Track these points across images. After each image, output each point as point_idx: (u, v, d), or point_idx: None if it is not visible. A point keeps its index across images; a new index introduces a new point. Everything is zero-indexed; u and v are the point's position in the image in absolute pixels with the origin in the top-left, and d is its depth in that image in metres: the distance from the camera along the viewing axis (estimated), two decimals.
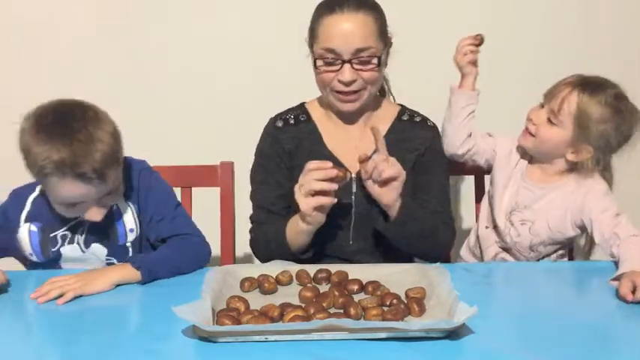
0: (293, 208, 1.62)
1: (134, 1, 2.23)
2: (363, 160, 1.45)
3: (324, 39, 1.50)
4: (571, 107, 1.55)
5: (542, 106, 1.63)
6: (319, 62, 1.52)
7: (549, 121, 1.59)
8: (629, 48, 2.35)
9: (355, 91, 1.53)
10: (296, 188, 1.45)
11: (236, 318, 1.15)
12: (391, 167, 1.43)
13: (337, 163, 1.58)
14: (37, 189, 1.49)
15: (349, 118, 1.63)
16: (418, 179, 1.62)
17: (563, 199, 1.61)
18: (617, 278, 1.34)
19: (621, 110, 1.55)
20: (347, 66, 1.49)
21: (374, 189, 1.46)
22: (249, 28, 2.26)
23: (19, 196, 1.50)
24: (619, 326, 1.19)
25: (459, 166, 1.91)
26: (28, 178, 1.42)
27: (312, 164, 1.43)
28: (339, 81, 1.51)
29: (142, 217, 1.52)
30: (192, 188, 1.81)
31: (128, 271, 1.36)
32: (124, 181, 1.46)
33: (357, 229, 1.61)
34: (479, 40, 1.62)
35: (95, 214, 1.40)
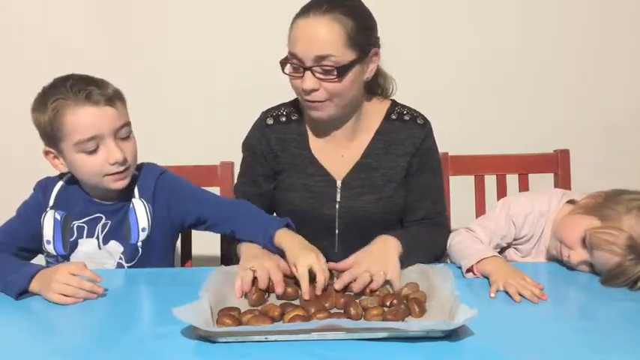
0: (271, 208, 1.63)
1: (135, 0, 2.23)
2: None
3: (291, 42, 1.44)
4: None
5: (583, 242, 1.41)
6: (287, 66, 1.46)
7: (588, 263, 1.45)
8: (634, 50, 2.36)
9: (320, 101, 1.46)
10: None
11: (236, 317, 1.15)
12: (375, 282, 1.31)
13: (321, 170, 1.57)
14: (62, 180, 1.54)
15: (333, 123, 1.56)
16: (411, 181, 1.59)
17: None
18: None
19: None
20: (308, 74, 1.42)
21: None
22: (250, 28, 2.26)
23: (45, 185, 1.54)
24: (618, 327, 1.18)
25: (459, 166, 1.91)
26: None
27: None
28: (302, 89, 1.45)
29: (156, 218, 1.53)
30: None
31: None
32: (140, 181, 1.53)
33: (342, 237, 1.58)
34: None
35: (116, 152, 1.40)
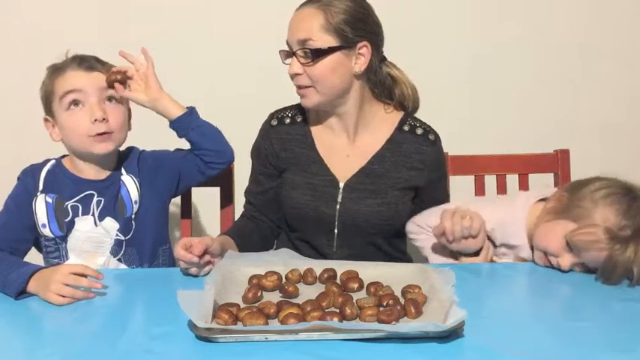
0: (272, 204, 1.66)
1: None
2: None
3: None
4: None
5: (568, 246, 1.41)
6: (282, 55, 1.54)
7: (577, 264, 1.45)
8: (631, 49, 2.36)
9: (305, 87, 1.51)
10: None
11: (234, 313, 1.15)
12: (475, 219, 1.42)
13: (325, 170, 1.59)
14: (49, 164, 1.55)
15: (331, 122, 1.60)
16: (426, 196, 1.62)
17: None
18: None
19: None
20: (293, 59, 1.50)
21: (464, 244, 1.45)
22: (252, 28, 2.26)
23: (32, 171, 1.55)
24: (616, 326, 1.18)
25: (459, 166, 1.91)
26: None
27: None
28: (289, 74, 1.52)
29: (144, 191, 1.57)
30: (192, 188, 1.81)
31: None
32: (125, 161, 1.58)
33: (341, 237, 1.59)
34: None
35: (97, 110, 1.46)
